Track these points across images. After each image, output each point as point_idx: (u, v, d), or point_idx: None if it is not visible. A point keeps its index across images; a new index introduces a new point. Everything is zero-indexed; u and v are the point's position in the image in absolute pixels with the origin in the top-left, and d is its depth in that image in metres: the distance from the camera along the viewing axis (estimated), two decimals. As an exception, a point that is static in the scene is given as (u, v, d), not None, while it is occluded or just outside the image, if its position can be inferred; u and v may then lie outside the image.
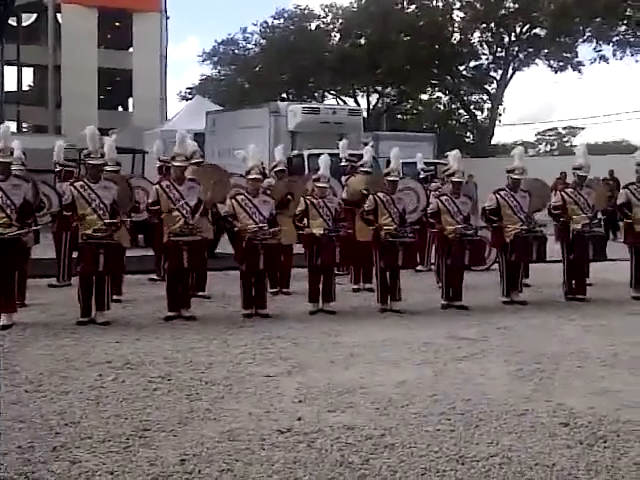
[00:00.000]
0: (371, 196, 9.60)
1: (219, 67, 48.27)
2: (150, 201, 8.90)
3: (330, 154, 10.34)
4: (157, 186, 8.99)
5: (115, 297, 9.37)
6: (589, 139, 51.54)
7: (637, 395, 5.92)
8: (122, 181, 9.65)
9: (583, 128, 53.35)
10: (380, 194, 9.56)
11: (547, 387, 6.15)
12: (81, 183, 8.54)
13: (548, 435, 5.00)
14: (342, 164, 12.38)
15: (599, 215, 10.84)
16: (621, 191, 10.69)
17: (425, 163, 14.23)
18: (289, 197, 10.12)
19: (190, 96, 46.19)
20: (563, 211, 10.31)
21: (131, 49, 41.93)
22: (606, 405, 5.65)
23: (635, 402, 5.73)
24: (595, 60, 35.91)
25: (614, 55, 35.01)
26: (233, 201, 9.06)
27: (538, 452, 4.70)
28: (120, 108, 46.87)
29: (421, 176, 13.29)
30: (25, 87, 45.27)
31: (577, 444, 4.85)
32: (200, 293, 9.99)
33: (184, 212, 8.70)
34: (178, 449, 4.65)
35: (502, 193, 10.01)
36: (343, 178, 11.80)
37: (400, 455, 4.62)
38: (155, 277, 11.05)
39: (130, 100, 43.81)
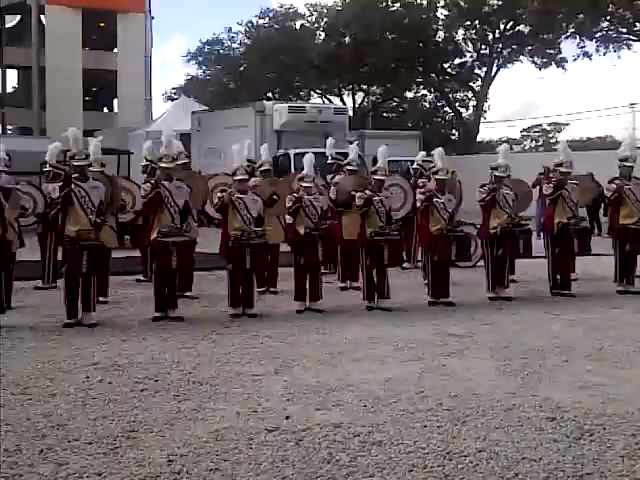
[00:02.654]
0: (360, 194, 9.60)
1: (204, 67, 48.12)
2: (143, 194, 8.86)
3: (316, 153, 10.36)
4: (147, 183, 8.97)
5: (102, 299, 9.35)
6: (574, 135, 51.82)
7: (622, 389, 5.98)
8: (113, 180, 9.64)
9: (568, 124, 53.61)
10: (367, 192, 9.57)
11: (533, 382, 6.19)
12: (73, 183, 8.51)
13: (535, 429, 5.03)
14: (328, 162, 12.40)
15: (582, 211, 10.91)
16: (609, 185, 10.67)
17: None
18: (274, 197, 10.11)
19: (175, 96, 46.11)
20: (552, 203, 10.34)
21: (116, 50, 41.78)
22: (592, 399, 5.70)
23: (620, 396, 5.78)
24: (578, 56, 36.06)
25: (597, 51, 35.14)
26: (225, 195, 9.00)
27: (525, 446, 4.73)
28: (105, 109, 46.74)
29: (412, 168, 13.31)
30: (9, 89, 45.06)
31: (564, 438, 4.88)
32: (187, 293, 9.97)
33: (172, 211, 8.68)
34: (166, 449, 4.65)
35: (488, 187, 10.04)
36: (329, 177, 11.82)
37: (388, 452, 4.63)
38: (142, 278, 11.02)
39: (115, 101, 43.68)
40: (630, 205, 10.40)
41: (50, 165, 10.85)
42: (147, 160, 11.15)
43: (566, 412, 5.36)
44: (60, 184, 8.77)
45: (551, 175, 11.15)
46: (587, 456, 4.58)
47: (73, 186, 8.35)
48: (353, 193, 10.36)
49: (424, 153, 14.32)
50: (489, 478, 4.26)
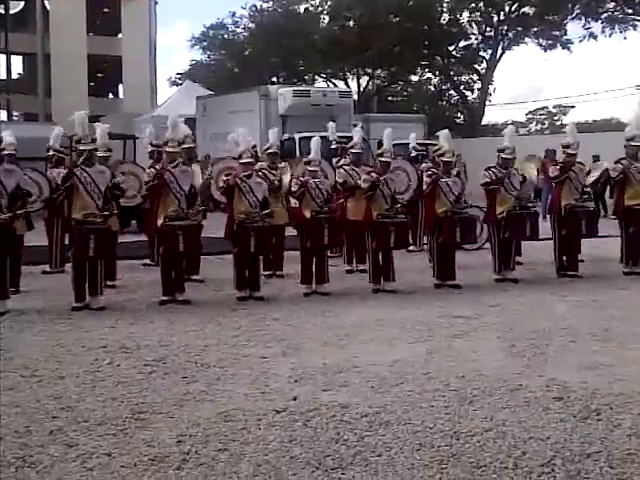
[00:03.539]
0: (365, 175, 9.61)
1: (209, 52, 47.97)
2: (146, 180, 8.88)
3: (322, 137, 10.33)
4: (151, 169, 8.99)
5: (109, 282, 9.39)
6: (579, 117, 51.62)
7: (629, 369, 5.98)
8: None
9: (573, 107, 53.34)
10: (372, 174, 9.57)
11: (540, 362, 6.20)
12: (78, 167, 8.52)
13: (542, 409, 5.05)
14: (332, 146, 12.38)
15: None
16: (614, 165, 10.65)
17: (417, 144, 14.18)
18: (277, 182, 10.11)
19: (180, 82, 45.94)
20: (559, 185, 10.32)
21: (120, 35, 41.65)
22: (599, 379, 5.71)
23: (627, 375, 5.79)
24: (584, 38, 35.86)
25: (603, 32, 34.95)
26: (230, 178, 9.01)
27: (532, 426, 4.75)
28: (110, 95, 46.64)
29: (412, 154, 13.29)
30: (15, 75, 44.96)
31: (571, 417, 4.90)
32: (194, 277, 10.00)
33: (178, 196, 8.70)
34: (174, 430, 4.68)
35: (494, 170, 10.02)
36: (334, 160, 11.80)
37: (395, 432, 4.66)
38: (149, 262, 11.05)
39: (120, 87, 43.58)
40: (636, 186, 10.37)
41: (54, 150, 10.86)
42: (152, 145, 11.17)
43: (573, 392, 5.38)
44: (65, 171, 8.79)
45: (557, 157, 11.13)
46: (594, 435, 4.60)
47: (78, 172, 8.37)
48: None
49: (414, 135, 14.26)
50: (496, 457, 4.28)
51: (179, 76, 49.28)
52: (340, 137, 12.55)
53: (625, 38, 35.63)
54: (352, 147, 11.46)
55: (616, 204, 10.81)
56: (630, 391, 5.38)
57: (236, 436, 4.60)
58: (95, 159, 8.67)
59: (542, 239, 10.70)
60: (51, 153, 10.96)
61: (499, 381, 5.65)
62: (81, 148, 8.53)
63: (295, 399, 5.26)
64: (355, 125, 15.26)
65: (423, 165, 12.20)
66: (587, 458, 4.26)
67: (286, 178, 10.14)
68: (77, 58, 37.20)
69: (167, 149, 8.98)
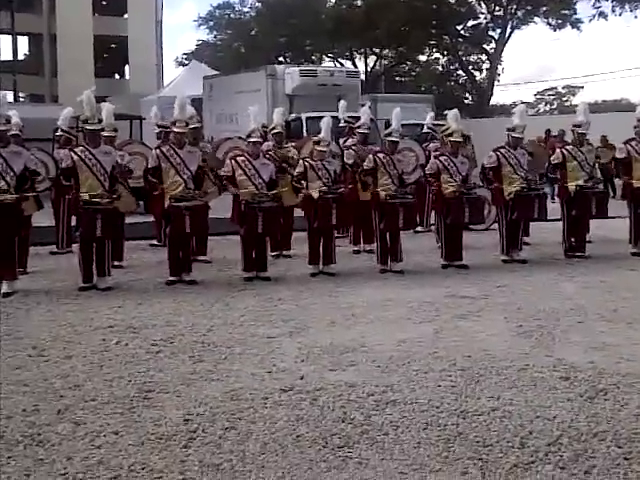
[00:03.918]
0: (371, 156, 9.57)
1: (215, 32, 47.80)
2: (150, 166, 8.86)
3: (331, 117, 10.27)
4: (157, 150, 8.96)
5: (116, 263, 9.40)
6: (588, 98, 51.16)
7: (636, 349, 5.97)
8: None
9: (582, 87, 53.00)
10: (380, 154, 9.54)
11: (547, 343, 6.20)
12: (81, 148, 8.51)
13: (548, 389, 5.05)
14: (340, 125, 12.32)
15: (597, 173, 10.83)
16: (621, 146, 10.64)
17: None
18: (285, 165, 10.08)
19: (187, 62, 45.74)
20: (562, 168, 10.28)
21: (126, 15, 41.46)
22: (606, 359, 5.70)
23: (634, 356, 5.78)
24: (594, 17, 35.55)
25: (613, 11, 34.64)
26: (233, 162, 9.03)
27: (539, 405, 4.75)
28: (116, 76, 46.52)
29: (423, 132, 13.24)
30: (21, 56, 44.88)
31: (577, 397, 4.90)
32: (201, 257, 10.01)
33: (185, 177, 8.68)
34: (182, 409, 4.70)
35: (502, 151, 9.97)
36: (341, 140, 11.75)
37: (402, 411, 4.67)
38: (156, 243, 11.06)
39: (126, 67, 43.45)
40: (644, 167, 10.30)
41: (62, 130, 10.84)
42: (159, 126, 11.14)
43: (580, 372, 5.38)
44: (70, 149, 8.78)
45: (565, 139, 11.07)
46: (601, 415, 4.60)
47: (82, 153, 8.34)
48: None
49: (432, 114, 14.16)
50: (502, 436, 4.28)
51: (185, 56, 49.18)
52: (348, 117, 12.48)
53: (636, 17, 35.37)
54: (359, 127, 11.41)
55: (624, 186, 10.74)
56: (637, 371, 5.37)
57: (243, 415, 4.61)
58: (100, 140, 8.65)
59: (550, 220, 10.66)
60: (59, 133, 10.94)
61: (506, 361, 5.65)
62: (88, 128, 8.51)
63: (302, 378, 5.27)
64: (363, 105, 15.21)
65: (431, 145, 12.16)
66: (594, 437, 4.26)
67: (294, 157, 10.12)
68: (83, 38, 37.09)
69: (175, 129, 8.94)
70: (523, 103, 43.82)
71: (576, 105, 12.39)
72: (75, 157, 8.36)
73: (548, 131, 18.98)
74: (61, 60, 37.89)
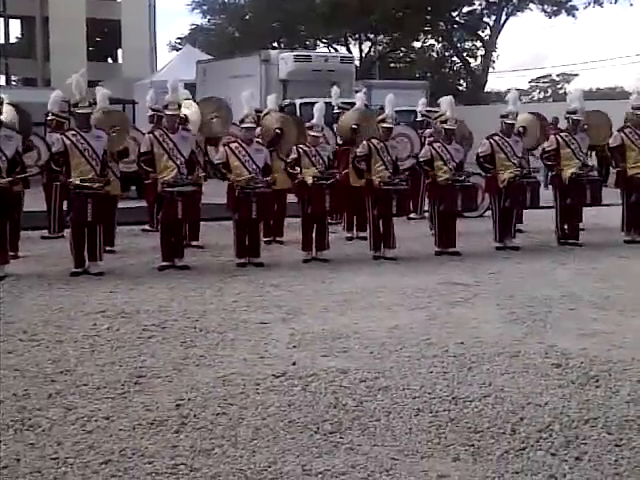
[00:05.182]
0: (365, 142, 9.53)
1: (209, 16, 47.46)
2: (142, 151, 8.80)
3: (325, 102, 10.22)
4: (150, 135, 8.89)
5: (108, 248, 9.37)
6: (583, 86, 51.14)
7: (628, 336, 5.99)
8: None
9: (577, 75, 52.98)
10: (374, 140, 9.50)
11: (539, 329, 6.21)
12: (73, 132, 8.45)
13: (540, 375, 5.06)
14: (335, 111, 12.27)
15: (591, 161, 10.84)
16: (615, 134, 10.64)
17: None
18: (278, 131, 10.05)
19: (180, 46, 45.44)
20: (556, 155, 10.26)
21: (119, -1, 41.18)
22: (598, 346, 5.72)
23: (626, 343, 5.80)
24: (589, 4, 35.50)
25: (608, -2, 34.59)
26: (227, 149, 9.00)
27: (530, 392, 4.76)
28: (109, 60, 46.26)
29: (418, 119, 13.19)
30: (13, 39, 44.58)
31: (569, 384, 4.91)
32: (194, 243, 10.00)
33: (178, 162, 8.63)
34: (173, 394, 4.69)
35: (495, 138, 9.96)
36: (335, 126, 11.71)
37: (394, 397, 4.66)
38: (148, 228, 11.02)
39: (119, 51, 43.19)
40: (637, 154, 10.29)
41: (53, 114, 10.77)
42: (152, 110, 11.07)
43: (572, 359, 5.39)
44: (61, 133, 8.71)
45: (559, 126, 11.05)
46: (592, 401, 4.61)
47: (74, 139, 8.28)
48: (354, 127, 10.38)
49: (424, 101, 14.10)
50: (494, 422, 4.28)
51: (179, 41, 48.83)
52: (342, 103, 12.43)
53: (631, 4, 35.70)
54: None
55: (618, 173, 10.74)
56: (629, 358, 5.39)
57: (235, 400, 4.60)
58: (92, 123, 8.59)
59: (543, 207, 10.65)
60: (50, 117, 10.87)
61: (498, 347, 5.65)
62: (78, 112, 8.44)
63: (294, 364, 5.27)
64: (357, 91, 15.14)
65: (427, 131, 12.12)
66: (585, 424, 4.27)
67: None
68: (76, 22, 36.74)
69: (167, 112, 8.89)
70: (517, 90, 43.90)
71: (572, 91, 12.30)
72: (67, 141, 8.30)
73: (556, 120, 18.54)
74: (53, 43, 37.55)
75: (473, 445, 4.00)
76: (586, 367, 5.21)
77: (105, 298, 7.22)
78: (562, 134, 10.45)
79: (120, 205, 10.11)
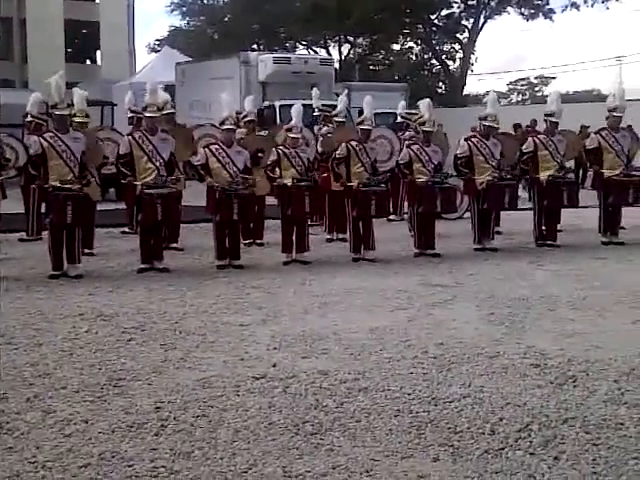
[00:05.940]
0: (344, 144, 9.55)
1: (188, 18, 47.36)
2: (121, 153, 8.76)
3: (303, 105, 10.24)
4: (129, 137, 8.85)
5: (87, 250, 9.32)
6: (560, 88, 51.49)
7: (605, 336, 6.05)
8: (90, 134, 9.48)
9: (554, 77, 53.42)
10: (353, 142, 9.53)
11: (518, 330, 6.25)
12: (50, 134, 8.39)
13: (519, 376, 5.09)
14: (315, 114, 12.28)
15: (569, 163, 10.92)
16: (592, 136, 10.74)
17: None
18: (260, 155, 10.03)
19: (159, 48, 45.29)
20: (534, 157, 10.33)
21: (98, 0, 40.91)
22: (575, 346, 5.77)
23: (603, 343, 5.85)
24: (566, 7, 35.87)
25: (585, 2, 34.94)
26: (206, 150, 8.97)
27: (509, 392, 4.79)
28: (88, 61, 45.95)
29: (397, 121, 13.23)
30: (-11, 40, 44.13)
31: (547, 384, 4.95)
32: (173, 245, 9.96)
33: (157, 164, 8.60)
34: (153, 397, 4.67)
35: (474, 140, 10.01)
36: (316, 128, 11.73)
37: (374, 398, 4.68)
38: (127, 230, 10.97)
39: (98, 53, 42.93)
40: (614, 157, 10.39)
41: (31, 116, 10.69)
42: (131, 111, 11.03)
43: (550, 359, 5.43)
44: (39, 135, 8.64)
45: (537, 129, 11.11)
46: (570, 401, 4.64)
47: (52, 141, 8.22)
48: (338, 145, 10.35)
49: (404, 103, 14.15)
50: (473, 423, 4.31)
51: (158, 42, 48.69)
52: (323, 105, 12.45)
53: (607, 8, 35.77)
54: (336, 115, 11.39)
55: (595, 175, 10.83)
56: (606, 358, 5.44)
57: (215, 402, 4.59)
58: (70, 125, 8.53)
59: (521, 209, 10.72)
60: (29, 119, 10.79)
61: (477, 348, 5.69)
62: (57, 113, 8.39)
63: (274, 366, 5.27)
64: (337, 93, 15.17)
65: (406, 134, 12.16)
66: (563, 424, 4.30)
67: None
68: (54, 23, 36.52)
69: (146, 114, 8.86)
70: (495, 92, 44.13)
71: (550, 93, 12.40)
72: (45, 143, 8.24)
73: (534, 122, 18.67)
74: (31, 45, 37.29)
75: (453, 445, 4.03)
76: (564, 367, 5.26)
77: (84, 301, 7.17)
78: (540, 136, 10.53)
79: (99, 207, 10.04)
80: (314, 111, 12.38)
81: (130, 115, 10.93)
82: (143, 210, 8.62)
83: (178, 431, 4.18)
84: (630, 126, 11.95)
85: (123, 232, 11.07)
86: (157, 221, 8.60)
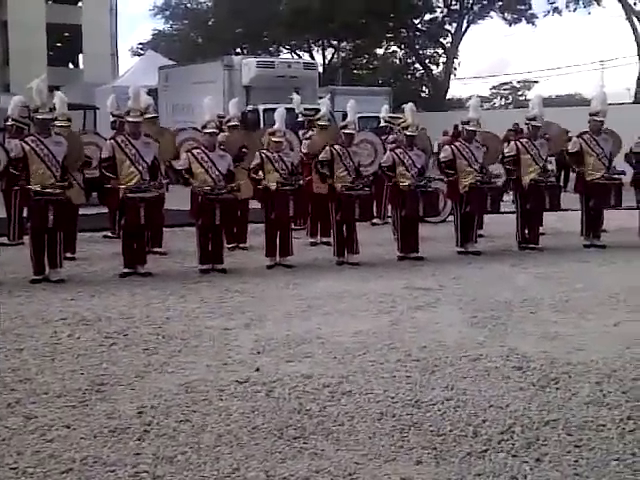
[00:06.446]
0: (327, 147, 9.57)
1: (171, 22, 47.22)
2: (104, 156, 8.72)
3: (286, 108, 10.24)
4: (112, 141, 8.81)
5: (69, 255, 9.26)
6: (543, 93, 51.79)
7: (587, 339, 6.08)
8: (73, 137, 9.43)
9: (537, 82, 53.72)
10: (336, 146, 9.54)
11: (501, 333, 6.27)
12: (32, 138, 8.34)
13: (501, 378, 5.11)
14: (299, 119, 12.28)
15: (551, 166, 10.98)
16: (574, 139, 10.81)
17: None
18: (244, 150, 10.03)
19: (142, 52, 45.15)
20: (516, 161, 10.38)
21: (80, 3, 40.78)
22: (558, 349, 5.79)
23: (585, 345, 5.89)
24: (549, 12, 36.05)
25: (567, 7, 35.14)
26: (189, 155, 8.95)
27: (492, 395, 4.80)
28: (70, 65, 45.76)
29: (381, 125, 13.25)
30: (-30, 44, 43.82)
31: (530, 386, 4.97)
32: (156, 249, 9.92)
33: (140, 168, 8.57)
34: (135, 402, 4.65)
35: (457, 144, 10.06)
36: (301, 132, 11.72)
37: (357, 401, 4.68)
38: (110, 234, 10.90)
39: (80, 56, 42.76)
40: (595, 161, 10.46)
41: (13, 119, 10.62)
42: (114, 115, 10.99)
43: (532, 361, 5.45)
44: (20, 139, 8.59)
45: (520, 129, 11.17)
46: (552, 403, 4.67)
47: (33, 145, 8.17)
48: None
49: (387, 107, 14.19)
50: (456, 425, 4.32)
51: (141, 46, 48.50)
52: (306, 109, 12.46)
53: (589, 13, 36.16)
54: (319, 119, 11.38)
55: (577, 178, 10.91)
56: (588, 360, 5.47)
57: (198, 407, 4.58)
58: (51, 129, 8.49)
59: (504, 212, 10.77)
60: (10, 123, 10.71)
61: (460, 351, 5.70)
62: (39, 117, 8.34)
63: (258, 370, 5.26)
64: (321, 97, 15.19)
65: (390, 137, 12.19)
66: (545, 425, 4.32)
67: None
68: (36, 26, 36.29)
69: (129, 119, 8.82)
70: (479, 97, 44.35)
71: (532, 97, 12.48)
72: (26, 147, 8.19)
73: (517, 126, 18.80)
74: (13, 48, 37.07)
75: (435, 448, 4.03)
76: (546, 370, 5.28)
77: (66, 305, 7.12)
78: (522, 140, 10.59)
79: (81, 211, 10.00)
80: (297, 117, 12.38)
81: (113, 119, 10.87)
82: (126, 214, 8.59)
83: (161, 436, 4.16)
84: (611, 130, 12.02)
85: (105, 236, 11.01)
86: (140, 225, 8.57)
